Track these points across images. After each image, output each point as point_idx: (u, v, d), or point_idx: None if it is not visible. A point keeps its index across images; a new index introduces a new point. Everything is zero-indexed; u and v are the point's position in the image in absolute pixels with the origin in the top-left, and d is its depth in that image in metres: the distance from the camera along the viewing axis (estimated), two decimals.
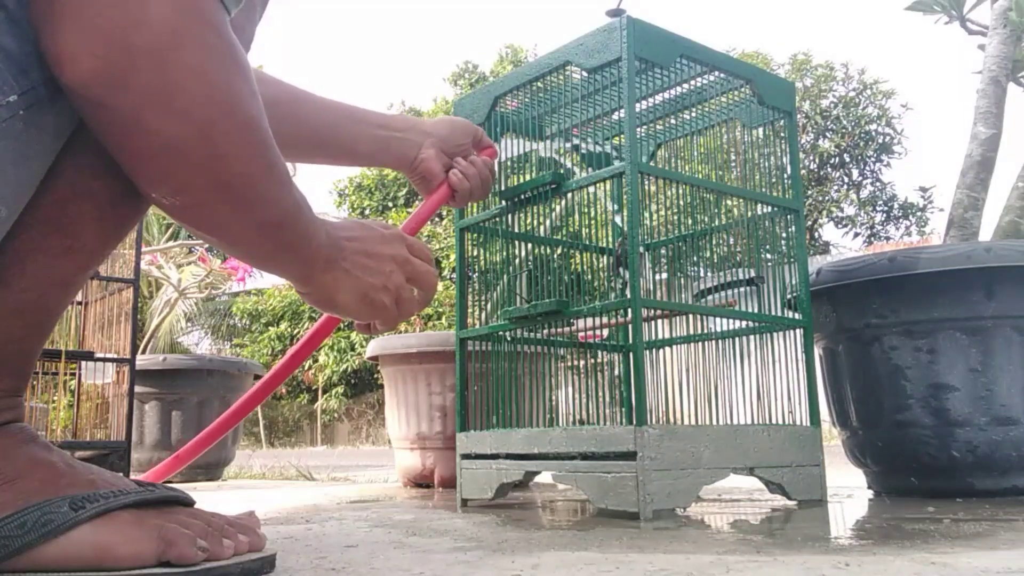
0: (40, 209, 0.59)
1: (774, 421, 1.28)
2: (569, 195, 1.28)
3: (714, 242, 1.36)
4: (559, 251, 1.40)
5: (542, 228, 1.37)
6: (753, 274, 1.33)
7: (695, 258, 1.38)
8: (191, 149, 0.56)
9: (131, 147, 0.56)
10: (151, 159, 0.56)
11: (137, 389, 2.04)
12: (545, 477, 1.26)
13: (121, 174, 0.59)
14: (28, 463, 0.61)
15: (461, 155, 1.14)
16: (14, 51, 0.52)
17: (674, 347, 1.41)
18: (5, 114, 0.53)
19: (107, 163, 0.59)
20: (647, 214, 1.29)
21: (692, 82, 1.34)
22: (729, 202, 1.35)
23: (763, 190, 1.37)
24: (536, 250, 1.36)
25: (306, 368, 14.22)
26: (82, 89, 0.53)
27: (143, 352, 3.59)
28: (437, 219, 13.97)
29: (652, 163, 1.52)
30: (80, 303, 2.11)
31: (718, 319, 1.35)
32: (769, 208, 1.35)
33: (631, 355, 1.35)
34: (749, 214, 1.34)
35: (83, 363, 1.98)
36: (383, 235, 0.77)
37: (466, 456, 1.34)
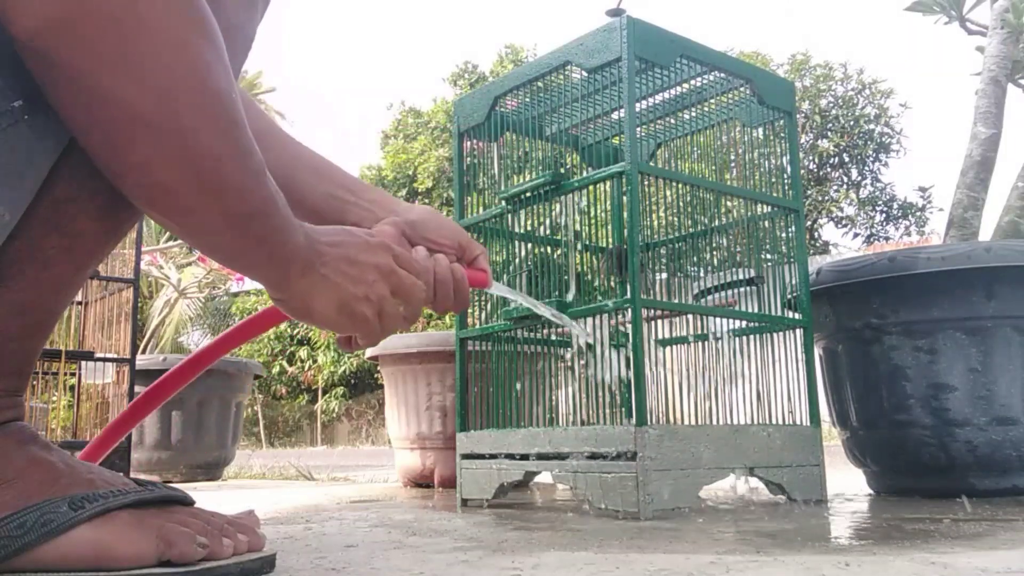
0: (39, 209, 0.59)
1: (774, 421, 1.28)
2: (569, 195, 1.28)
3: (714, 242, 1.36)
4: (559, 251, 1.40)
5: (542, 228, 1.38)
6: (753, 274, 1.33)
7: (695, 258, 1.38)
8: (151, 119, 0.52)
9: (87, 113, 0.53)
10: (108, 128, 0.53)
11: (137, 389, 2.04)
12: (545, 477, 1.26)
13: None
14: (27, 463, 0.60)
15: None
16: (16, 53, 0.52)
17: (674, 347, 1.41)
18: (9, 120, 0.53)
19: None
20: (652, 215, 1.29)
21: (692, 82, 1.34)
22: (729, 202, 1.35)
23: (763, 190, 1.37)
24: (536, 250, 1.36)
25: (306, 368, 14.22)
26: (31, 42, 0.49)
27: (143, 352, 3.59)
28: None
29: (652, 163, 1.52)
30: (80, 303, 2.11)
31: (718, 319, 1.35)
32: (769, 208, 1.35)
33: (631, 355, 1.34)
34: (749, 214, 1.34)
35: (83, 363, 1.98)
36: (367, 243, 0.71)
37: (466, 456, 1.34)
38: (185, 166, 0.54)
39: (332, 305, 0.68)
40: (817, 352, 1.50)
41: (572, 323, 1.15)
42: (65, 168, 0.59)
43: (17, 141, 0.53)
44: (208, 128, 0.54)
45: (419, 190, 14.17)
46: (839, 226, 14.62)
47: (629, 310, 1.12)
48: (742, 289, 1.34)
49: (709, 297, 1.39)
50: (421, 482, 1.96)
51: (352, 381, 14.37)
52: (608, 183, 1.45)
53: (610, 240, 1.55)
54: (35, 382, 1.99)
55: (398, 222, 0.84)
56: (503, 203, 1.34)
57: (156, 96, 0.51)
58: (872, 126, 14.17)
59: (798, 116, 1.51)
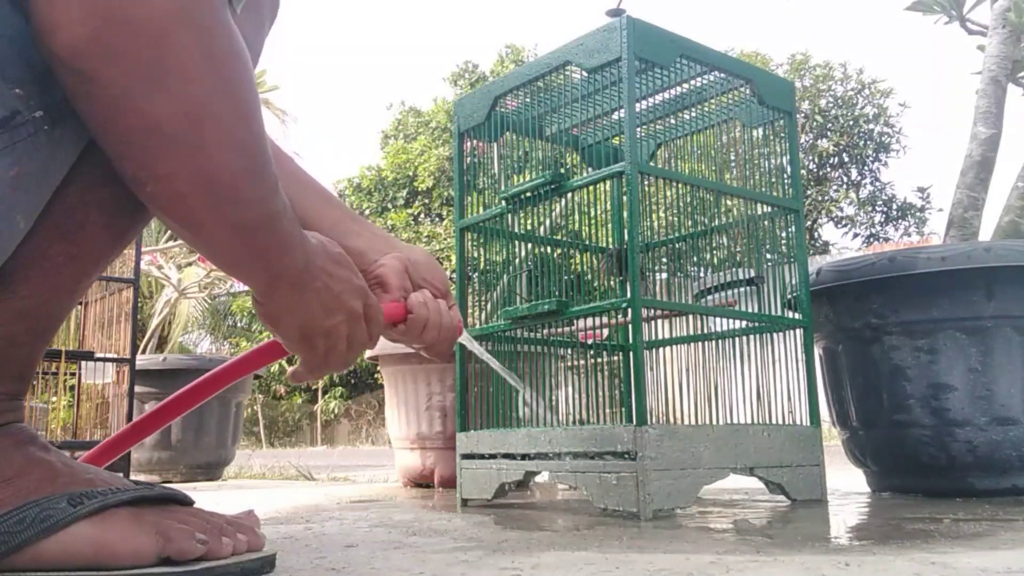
0: (48, 216, 0.59)
1: (774, 421, 1.28)
2: (569, 195, 1.28)
3: (714, 242, 1.36)
4: (559, 251, 1.40)
5: (542, 228, 1.38)
6: (753, 274, 1.33)
7: (695, 258, 1.38)
8: (179, 133, 0.54)
9: (118, 126, 0.54)
10: (137, 141, 0.54)
11: (137, 389, 2.04)
12: (545, 477, 1.26)
13: None
14: (27, 462, 0.61)
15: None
16: (39, 65, 0.53)
17: (674, 347, 1.41)
18: (31, 129, 0.53)
19: (116, 171, 0.59)
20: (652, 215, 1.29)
21: (692, 82, 1.34)
22: (729, 202, 1.35)
23: (763, 190, 1.37)
24: (536, 250, 1.36)
25: None
26: (72, 60, 0.50)
27: (144, 352, 3.59)
28: (438, 219, 13.98)
29: (652, 163, 1.52)
30: (80, 303, 2.11)
31: (718, 319, 1.35)
32: (769, 208, 1.35)
33: (631, 355, 1.34)
34: (749, 214, 1.34)
35: (83, 363, 1.97)
36: (353, 287, 0.72)
37: (466, 456, 1.34)
38: (205, 179, 0.56)
39: (296, 323, 0.69)
40: (817, 352, 1.50)
41: (516, 380, 1.14)
42: (77, 176, 0.60)
43: (37, 150, 0.54)
44: (231, 144, 0.56)
45: (419, 189, 14.16)
46: (839, 226, 14.62)
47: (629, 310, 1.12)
48: (742, 289, 1.34)
49: (709, 297, 1.39)
50: (421, 482, 1.96)
51: (352, 381, 14.37)
52: (608, 183, 1.45)
53: (610, 240, 1.55)
54: (35, 382, 1.99)
55: (402, 258, 0.88)
56: (503, 203, 1.34)
57: (187, 113, 0.53)
58: (872, 126, 14.18)
59: (798, 116, 1.51)
